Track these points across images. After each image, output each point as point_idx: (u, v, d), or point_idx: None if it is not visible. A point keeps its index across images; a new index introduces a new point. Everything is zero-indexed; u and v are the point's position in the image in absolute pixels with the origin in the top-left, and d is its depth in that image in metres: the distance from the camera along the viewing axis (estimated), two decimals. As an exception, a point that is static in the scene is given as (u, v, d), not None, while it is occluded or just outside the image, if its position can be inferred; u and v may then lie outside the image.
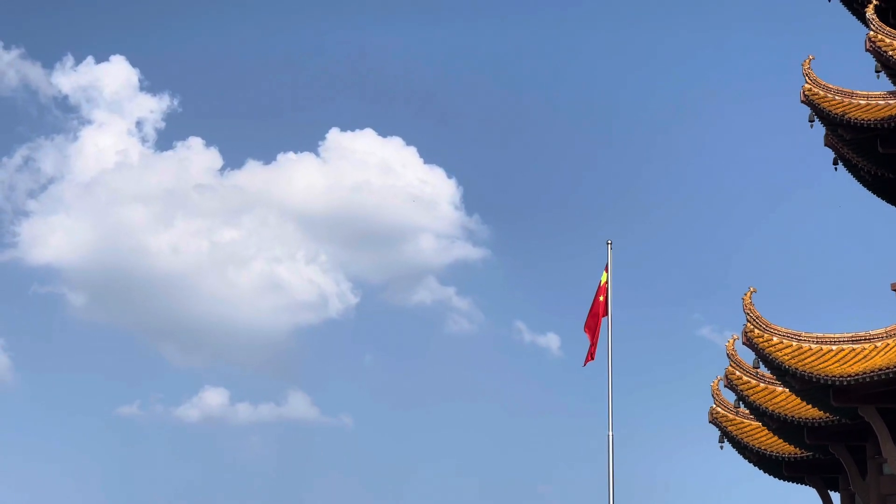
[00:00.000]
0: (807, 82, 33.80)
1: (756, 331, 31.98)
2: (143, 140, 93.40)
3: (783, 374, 31.32)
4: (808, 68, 34.21)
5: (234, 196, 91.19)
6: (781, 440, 35.14)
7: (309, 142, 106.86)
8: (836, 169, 35.48)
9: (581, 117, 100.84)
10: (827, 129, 34.07)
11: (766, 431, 35.71)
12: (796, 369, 30.43)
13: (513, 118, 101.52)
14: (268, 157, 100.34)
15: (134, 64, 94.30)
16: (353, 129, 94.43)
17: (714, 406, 37.50)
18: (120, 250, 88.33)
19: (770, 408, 33.39)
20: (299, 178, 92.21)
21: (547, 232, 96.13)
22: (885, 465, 32.21)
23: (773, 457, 35.93)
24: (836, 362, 30.95)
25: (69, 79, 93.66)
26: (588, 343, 34.61)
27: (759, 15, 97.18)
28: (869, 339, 31.77)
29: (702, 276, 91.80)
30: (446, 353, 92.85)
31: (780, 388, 33.99)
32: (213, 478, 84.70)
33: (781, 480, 37.52)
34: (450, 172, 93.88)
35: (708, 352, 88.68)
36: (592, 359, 34.19)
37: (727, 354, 35.78)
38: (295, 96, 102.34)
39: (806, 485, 37.46)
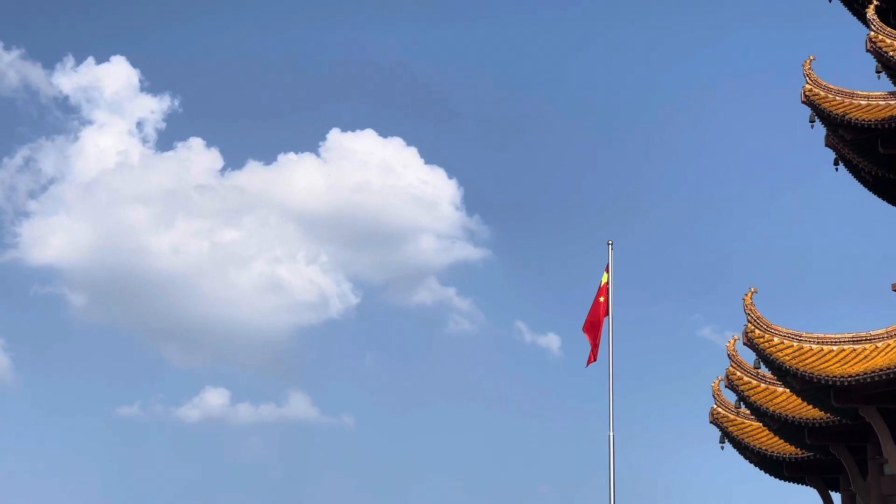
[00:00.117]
0: (807, 83, 33.81)
1: (757, 331, 31.98)
2: (144, 140, 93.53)
3: (784, 374, 31.33)
4: (809, 69, 34.22)
5: (234, 196, 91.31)
6: (782, 440, 35.15)
7: (309, 142, 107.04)
8: (836, 169, 35.50)
9: (581, 118, 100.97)
10: (827, 130, 34.08)
11: (767, 432, 35.71)
12: (797, 370, 30.44)
13: (513, 118, 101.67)
14: (268, 158, 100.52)
15: (134, 64, 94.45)
16: (353, 130, 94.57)
17: (715, 406, 37.50)
18: (120, 251, 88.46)
19: (771, 408, 33.40)
20: (300, 178, 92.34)
21: (547, 232, 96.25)
22: (886, 466, 32.22)
23: (774, 457, 35.93)
24: (836, 363, 30.96)
25: (70, 79, 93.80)
26: (588, 344, 34.61)
27: (760, 15, 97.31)
28: (870, 339, 31.78)
29: (702, 277, 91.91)
30: (447, 353, 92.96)
31: (780, 389, 33.99)
32: (214, 478, 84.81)
33: (782, 481, 37.53)
34: (450, 173, 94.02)
35: (708, 352, 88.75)
36: (595, 360, 34.17)
37: (728, 355, 35.78)
38: (295, 97, 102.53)
39: (807, 485, 37.47)
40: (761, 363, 32.40)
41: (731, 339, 36.04)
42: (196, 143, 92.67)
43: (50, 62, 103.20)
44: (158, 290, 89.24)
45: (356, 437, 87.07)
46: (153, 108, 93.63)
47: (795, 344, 31.90)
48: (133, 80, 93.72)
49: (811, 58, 34.54)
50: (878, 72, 32.49)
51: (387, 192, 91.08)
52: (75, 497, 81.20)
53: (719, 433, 37.25)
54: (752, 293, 32.94)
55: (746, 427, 36.87)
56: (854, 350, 31.56)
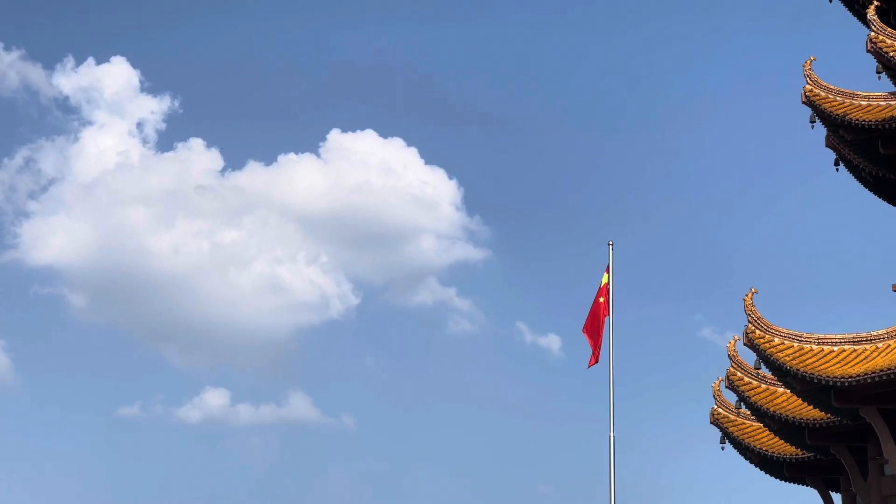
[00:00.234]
0: (808, 83, 33.81)
1: (757, 332, 31.98)
2: (144, 141, 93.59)
3: (784, 374, 31.33)
4: (810, 69, 34.22)
5: (234, 197, 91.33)
6: (783, 441, 35.15)
7: (310, 143, 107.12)
8: (837, 170, 35.49)
9: (582, 118, 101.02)
10: (828, 130, 34.08)
11: (768, 432, 35.71)
12: (797, 370, 30.44)
13: (514, 119, 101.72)
14: (268, 158, 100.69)
15: (134, 65, 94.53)
16: (353, 130, 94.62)
17: (715, 407, 37.49)
18: (121, 251, 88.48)
19: (771, 409, 33.40)
20: (300, 178, 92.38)
21: (548, 233, 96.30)
22: (887, 466, 32.21)
23: (775, 458, 35.93)
24: (837, 363, 30.96)
25: (70, 80, 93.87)
26: (588, 345, 34.60)
27: (760, 16, 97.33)
28: (870, 339, 31.78)
29: (703, 277, 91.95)
30: (447, 353, 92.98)
31: (781, 389, 33.99)
32: (214, 478, 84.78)
33: (783, 481, 37.52)
34: (451, 173, 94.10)
35: (709, 353, 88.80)
36: (597, 361, 34.16)
37: (728, 355, 35.78)
38: (295, 97, 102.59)
39: (807, 486, 37.46)
40: (762, 364, 32.40)
41: (732, 339, 36.05)
42: (196, 143, 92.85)
43: (50, 63, 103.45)
44: (159, 290, 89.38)
45: (357, 438, 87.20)
46: (153, 108, 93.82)
47: (796, 344, 31.90)
48: (133, 80, 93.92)
49: (811, 58, 34.54)
50: (878, 72, 32.50)
51: (387, 192, 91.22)
52: (75, 497, 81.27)
53: (720, 434, 37.25)
54: (753, 294, 32.94)
55: (747, 427, 36.87)
56: (854, 350, 31.56)
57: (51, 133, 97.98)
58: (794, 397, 32.93)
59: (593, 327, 34.51)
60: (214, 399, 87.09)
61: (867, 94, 33.58)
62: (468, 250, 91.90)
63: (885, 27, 32.35)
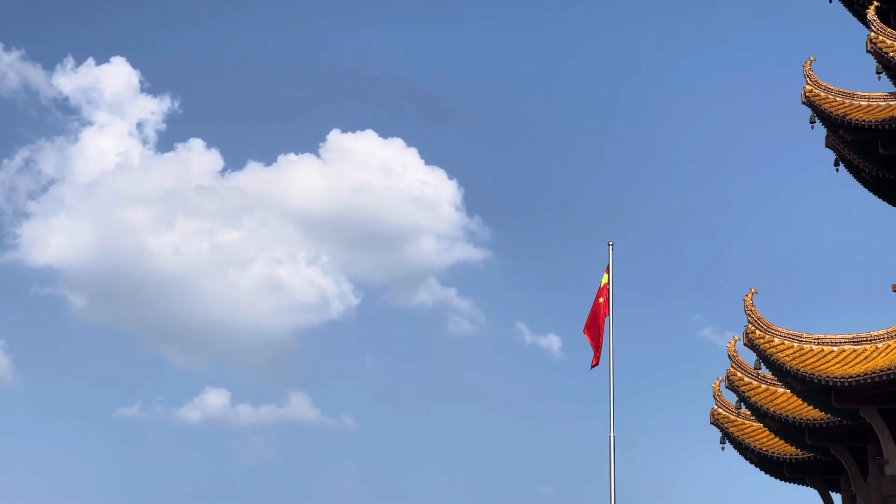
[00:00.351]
0: (808, 83, 33.82)
1: (757, 332, 32.00)
2: (144, 141, 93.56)
3: (784, 375, 31.34)
4: (809, 69, 34.23)
5: (234, 197, 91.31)
6: (783, 441, 35.16)
7: (310, 143, 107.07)
8: (837, 170, 35.50)
9: (582, 118, 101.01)
10: (828, 131, 34.09)
11: (768, 432, 35.72)
12: (797, 370, 30.45)
13: (513, 119, 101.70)
14: (268, 159, 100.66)
15: (134, 65, 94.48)
16: (353, 131, 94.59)
17: (715, 407, 37.51)
18: (121, 252, 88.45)
19: (771, 409, 33.41)
20: (300, 179, 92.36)
21: (548, 233, 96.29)
22: (887, 466, 32.23)
23: (775, 458, 35.94)
24: (837, 363, 30.97)
25: (70, 80, 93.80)
26: (589, 346, 34.60)
27: (760, 16, 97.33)
28: (870, 339, 31.79)
29: (703, 277, 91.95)
30: (447, 354, 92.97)
31: (781, 390, 34.00)
32: (215, 479, 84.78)
33: (783, 481, 37.53)
34: (451, 174, 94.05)
35: (709, 353, 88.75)
36: (598, 363, 34.18)
37: (728, 356, 35.79)
38: (295, 98, 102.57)
39: (807, 486, 37.47)
40: (762, 364, 32.41)
41: (732, 339, 36.06)
42: (196, 143, 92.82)
43: (50, 63, 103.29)
44: (159, 290, 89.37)
45: (357, 438, 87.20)
46: (153, 109, 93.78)
47: (796, 345, 31.91)
48: (133, 80, 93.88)
49: (811, 59, 34.56)
50: (878, 72, 32.52)
51: (387, 192, 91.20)
52: (76, 498, 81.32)
53: (720, 434, 37.26)
54: (753, 294, 32.95)
55: (747, 428, 36.88)
56: (854, 351, 31.58)
57: (51, 133, 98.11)
58: (794, 397, 32.94)
59: (594, 328, 34.52)
60: (214, 399, 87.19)
61: (867, 94, 33.60)
62: (468, 251, 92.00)
63: (884, 27, 32.36)
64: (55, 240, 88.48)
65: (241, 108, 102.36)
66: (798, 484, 37.65)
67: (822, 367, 30.57)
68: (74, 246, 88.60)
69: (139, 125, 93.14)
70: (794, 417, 32.81)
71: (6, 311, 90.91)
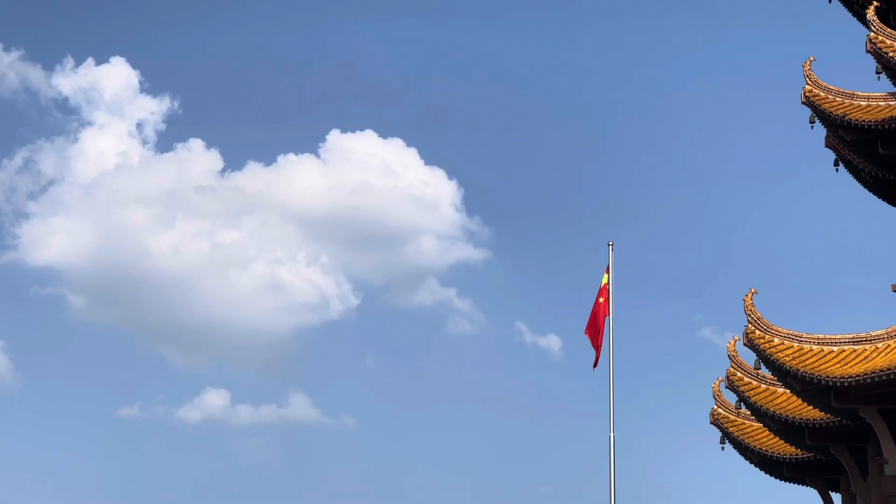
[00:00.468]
0: (807, 83, 33.83)
1: (757, 332, 32.00)
2: (144, 142, 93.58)
3: (784, 375, 31.35)
4: (809, 69, 34.23)
5: (234, 197, 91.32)
6: (783, 441, 35.16)
7: (309, 143, 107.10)
8: (836, 170, 35.50)
9: (581, 118, 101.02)
10: (828, 131, 34.09)
11: (768, 432, 35.73)
12: (797, 370, 30.46)
13: (513, 119, 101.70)
14: (268, 159, 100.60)
15: (134, 65, 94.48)
16: (353, 131, 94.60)
17: (715, 407, 37.52)
18: (121, 252, 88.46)
19: (771, 409, 33.41)
20: (300, 179, 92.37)
21: (548, 233, 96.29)
22: (887, 466, 32.23)
23: (775, 458, 35.95)
24: (836, 363, 30.98)
25: (69, 80, 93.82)
26: (590, 346, 34.62)
27: (760, 16, 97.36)
28: (870, 339, 31.80)
29: (703, 277, 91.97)
30: (447, 354, 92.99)
31: (781, 390, 34.01)
32: (215, 479, 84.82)
33: (783, 481, 37.54)
34: (450, 174, 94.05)
35: (709, 353, 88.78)
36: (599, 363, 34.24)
37: (728, 356, 35.80)
38: (295, 98, 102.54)
39: (807, 486, 37.48)
40: (762, 364, 32.42)
41: (732, 339, 36.08)
42: (196, 144, 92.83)
43: (49, 63, 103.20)
44: (159, 291, 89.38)
45: (357, 438, 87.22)
46: (153, 109, 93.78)
47: (796, 345, 31.91)
48: (133, 81, 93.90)
49: (811, 59, 34.56)
50: (878, 72, 32.53)
51: (387, 193, 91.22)
52: (76, 498, 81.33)
53: (720, 434, 37.27)
54: (753, 294, 32.96)
55: (747, 428, 36.89)
56: (854, 351, 31.58)
57: (50, 134, 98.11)
58: (794, 397, 32.95)
59: (594, 328, 34.55)
60: (214, 399, 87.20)
61: (867, 94, 33.60)
62: (468, 251, 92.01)
63: (884, 27, 32.37)
64: (55, 240, 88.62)
65: (240, 108, 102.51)
66: (798, 484, 37.66)
67: (821, 367, 30.58)
68: (74, 246, 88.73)
69: (139, 125, 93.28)
70: (793, 417, 32.82)
71: (6, 312, 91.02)
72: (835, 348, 31.80)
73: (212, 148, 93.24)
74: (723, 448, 37.51)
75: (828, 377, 29.82)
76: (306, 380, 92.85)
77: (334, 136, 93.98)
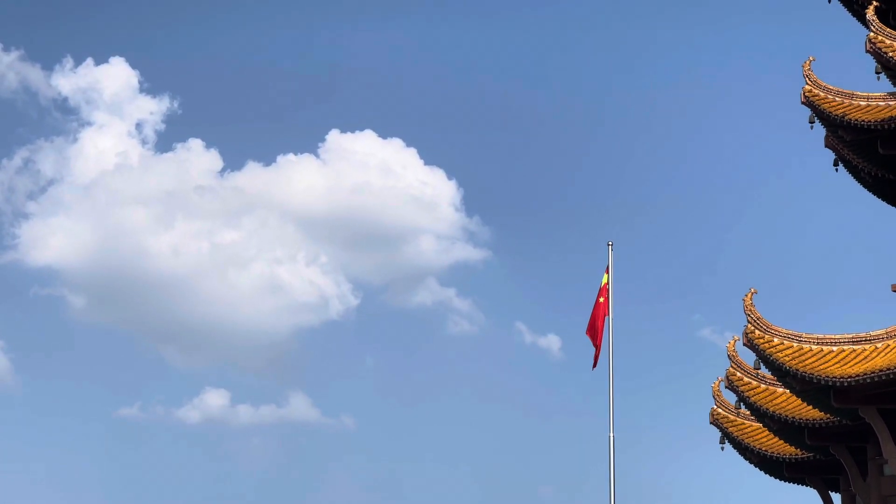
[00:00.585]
0: (807, 83, 33.82)
1: (757, 332, 32.00)
2: (143, 142, 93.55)
3: (784, 375, 31.35)
4: (809, 69, 34.23)
5: (234, 198, 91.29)
6: (782, 441, 35.17)
7: (309, 143, 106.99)
8: (836, 170, 35.50)
9: (581, 119, 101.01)
10: (827, 131, 34.10)
11: (767, 432, 35.74)
12: (797, 370, 30.46)
13: (513, 119, 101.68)
14: (268, 159, 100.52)
15: (133, 66, 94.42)
16: (352, 131, 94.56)
17: (715, 407, 37.52)
18: (120, 252, 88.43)
19: (771, 409, 33.42)
20: (299, 179, 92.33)
21: (547, 233, 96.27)
22: (886, 466, 32.23)
23: (774, 458, 35.95)
24: (836, 363, 30.98)
25: (69, 80, 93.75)
26: (591, 346, 34.64)
27: (759, 16, 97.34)
28: (869, 339, 31.80)
29: (702, 277, 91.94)
30: (447, 354, 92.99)
31: (780, 389, 34.01)
32: (214, 479, 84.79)
33: (782, 481, 37.55)
34: (450, 174, 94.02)
35: (708, 353, 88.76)
36: (598, 364, 34.24)
37: (728, 355, 35.80)
38: (294, 98, 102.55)
39: (807, 486, 37.49)
40: (761, 364, 32.41)
41: (731, 339, 36.08)
42: (195, 144, 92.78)
43: (49, 63, 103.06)
44: (158, 291, 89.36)
45: (356, 438, 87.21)
46: (152, 109, 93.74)
47: (795, 345, 31.92)
48: (132, 81, 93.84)
49: (811, 58, 34.56)
50: (877, 72, 32.52)
51: (386, 193, 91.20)
52: (75, 498, 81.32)
53: (719, 434, 37.27)
54: (752, 294, 32.96)
55: (746, 428, 36.89)
56: (854, 350, 31.58)
57: (50, 134, 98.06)
58: (794, 397, 32.95)
59: (595, 328, 34.56)
60: (214, 400, 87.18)
61: (866, 94, 33.60)
62: (468, 251, 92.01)
63: (884, 27, 32.36)
64: (54, 240, 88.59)
65: (240, 108, 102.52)
66: (797, 484, 37.67)
67: (821, 367, 30.58)
68: (74, 246, 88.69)
69: (138, 125, 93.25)
70: (793, 417, 32.82)
71: (5, 312, 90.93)
72: (834, 348, 31.80)
73: (211, 148, 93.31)
74: (722, 448, 37.52)
75: (827, 377, 29.82)
76: (306, 380, 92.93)
77: (334, 136, 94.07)
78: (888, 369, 28.93)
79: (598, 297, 34.75)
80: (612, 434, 33.27)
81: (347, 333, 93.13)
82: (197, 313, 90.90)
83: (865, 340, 31.79)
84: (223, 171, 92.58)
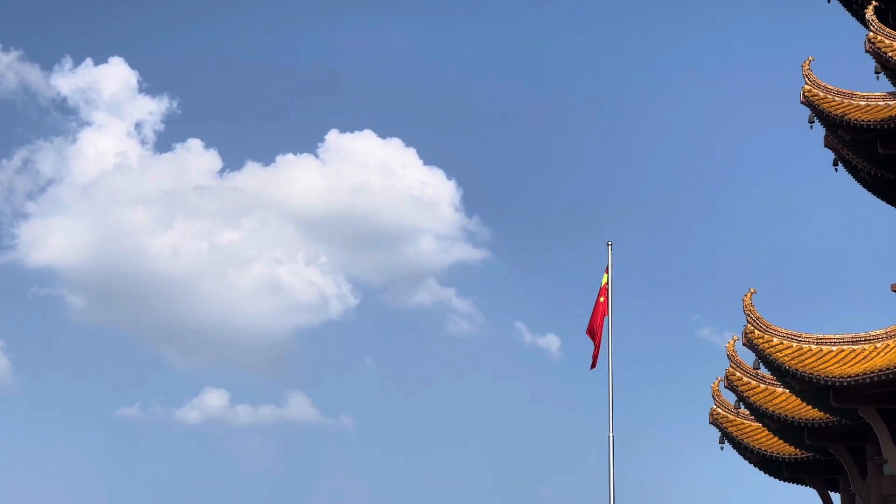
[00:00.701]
0: (807, 83, 33.82)
1: (756, 332, 32.00)
2: (143, 142, 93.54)
3: (783, 374, 31.35)
4: (808, 69, 34.24)
5: (233, 198, 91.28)
6: (782, 441, 35.17)
7: (308, 143, 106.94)
8: (836, 170, 35.50)
9: (581, 118, 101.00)
10: (827, 130, 34.10)
11: (767, 432, 35.74)
12: (796, 370, 30.46)
13: (512, 119, 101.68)
14: (267, 159, 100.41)
15: (133, 66, 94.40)
16: (352, 131, 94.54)
17: (714, 407, 37.52)
18: (120, 252, 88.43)
19: (770, 409, 33.41)
20: (299, 179, 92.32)
21: (547, 233, 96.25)
22: (886, 466, 32.23)
23: (774, 458, 35.95)
24: (836, 363, 30.98)
25: (68, 81, 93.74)
26: (592, 346, 34.65)
27: (759, 16, 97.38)
28: (869, 339, 31.80)
29: (701, 277, 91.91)
30: (446, 354, 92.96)
31: (780, 389, 34.01)
32: (214, 479, 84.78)
33: (782, 481, 37.55)
34: (449, 174, 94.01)
35: (708, 353, 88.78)
36: (596, 365, 34.25)
37: (727, 355, 35.80)
38: (294, 98, 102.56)
39: (806, 486, 37.49)
40: (761, 364, 32.41)
41: (731, 339, 36.08)
42: (195, 144, 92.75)
43: (48, 63, 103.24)
44: (158, 291, 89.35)
45: (356, 438, 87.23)
46: (152, 109, 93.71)
47: (795, 344, 31.91)
48: (131, 81, 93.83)
49: (810, 58, 34.56)
50: (877, 72, 32.52)
51: (386, 192, 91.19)
52: (75, 498, 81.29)
53: (719, 434, 37.27)
54: (752, 294, 32.96)
55: (746, 427, 36.89)
56: (853, 350, 31.58)
57: (49, 134, 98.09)
58: (793, 397, 32.95)
59: (595, 329, 34.58)
60: (214, 400, 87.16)
61: (866, 94, 33.60)
62: (467, 251, 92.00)
63: (883, 27, 32.36)
64: (54, 240, 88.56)
65: (239, 108, 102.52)
66: (797, 484, 37.67)
67: (820, 367, 30.58)
68: (73, 246, 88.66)
69: (137, 125, 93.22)
70: (793, 417, 32.82)
71: (5, 312, 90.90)
72: (834, 348, 31.80)
73: (210, 148, 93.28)
74: (722, 448, 37.53)
75: (827, 377, 29.82)
76: (305, 380, 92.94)
77: (333, 136, 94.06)
78: (887, 369, 28.93)
79: (599, 296, 34.76)
80: (611, 434, 33.30)
81: (347, 333, 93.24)
82: (196, 313, 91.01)
83: (865, 340, 31.79)
84: (222, 171, 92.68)
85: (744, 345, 32.32)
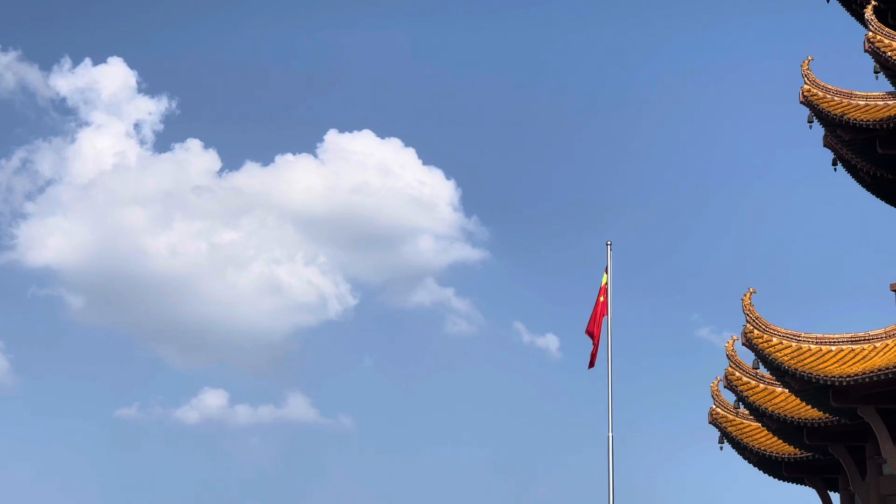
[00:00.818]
0: (806, 83, 33.83)
1: (755, 331, 32.00)
2: (142, 142, 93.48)
3: (783, 374, 31.35)
4: (807, 69, 34.24)
5: (232, 198, 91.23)
6: (781, 441, 35.17)
7: (307, 143, 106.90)
8: (835, 169, 35.52)
9: (580, 118, 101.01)
10: (826, 130, 34.11)
11: (766, 432, 35.74)
12: (796, 370, 30.46)
13: (512, 119, 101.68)
14: (266, 159, 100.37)
15: (132, 66, 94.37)
16: (351, 131, 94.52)
17: (714, 407, 37.53)
18: (118, 252, 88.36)
19: (770, 408, 33.42)
20: (298, 179, 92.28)
21: (546, 233, 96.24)
22: (885, 466, 32.24)
23: (773, 457, 35.96)
24: (835, 363, 30.98)
25: (67, 81, 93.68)
26: (592, 345, 34.65)
27: (758, 16, 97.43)
28: (868, 339, 31.80)
29: (701, 277, 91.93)
30: (445, 354, 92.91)
31: (779, 389, 34.02)
32: (213, 479, 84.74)
33: (781, 481, 37.56)
34: (448, 174, 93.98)
35: (707, 352, 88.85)
36: (594, 364, 34.25)
37: (727, 355, 35.81)
38: (293, 98, 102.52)
39: (806, 485, 37.50)
40: (760, 363, 32.42)
41: (730, 339, 36.09)
42: (193, 144, 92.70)
43: (47, 64, 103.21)
44: (156, 291, 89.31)
45: (355, 438, 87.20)
46: (150, 109, 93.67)
47: (794, 344, 31.92)
48: (130, 81, 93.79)
49: (809, 58, 34.57)
50: (876, 72, 32.53)
51: (385, 192, 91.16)
52: (74, 498, 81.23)
53: (718, 433, 37.28)
54: (751, 293, 32.96)
55: (745, 427, 36.90)
56: (853, 350, 31.58)
57: (48, 134, 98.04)
58: (793, 397, 32.95)
59: (595, 329, 34.58)
60: (213, 400, 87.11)
61: (865, 93, 33.60)
62: (466, 251, 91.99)
63: (882, 27, 32.37)
64: (52, 240, 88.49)
65: (238, 108, 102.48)
66: (796, 483, 37.68)
67: (820, 367, 30.58)
68: (72, 246, 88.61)
69: (136, 126, 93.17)
70: (792, 417, 32.82)
71: (4, 312, 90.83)
72: (833, 348, 31.80)
73: (209, 148, 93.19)
74: (721, 448, 37.54)
75: (826, 377, 29.82)
76: (304, 380, 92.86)
77: (332, 136, 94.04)
78: (887, 369, 28.94)
79: (599, 296, 34.77)
80: (610, 433, 33.29)
81: (346, 333, 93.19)
82: (195, 313, 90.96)
83: (864, 340, 31.79)
84: (221, 171, 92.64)
85: (743, 344, 32.32)
